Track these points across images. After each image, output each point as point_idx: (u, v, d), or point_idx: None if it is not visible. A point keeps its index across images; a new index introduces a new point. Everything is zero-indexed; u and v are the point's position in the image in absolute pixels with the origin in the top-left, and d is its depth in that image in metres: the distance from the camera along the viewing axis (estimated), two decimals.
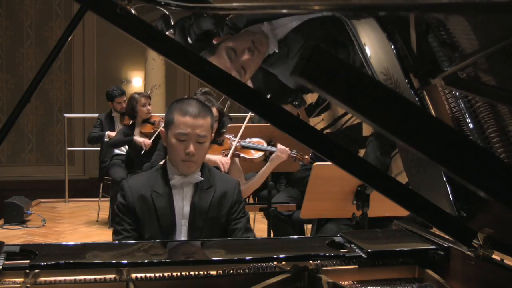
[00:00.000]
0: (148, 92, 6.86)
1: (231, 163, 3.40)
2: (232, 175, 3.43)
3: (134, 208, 2.23)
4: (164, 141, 2.35)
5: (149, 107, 5.82)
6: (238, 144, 3.49)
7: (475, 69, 1.32)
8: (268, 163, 3.50)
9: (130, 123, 5.97)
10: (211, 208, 2.27)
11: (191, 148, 2.20)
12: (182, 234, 2.26)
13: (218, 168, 3.19)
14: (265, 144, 3.59)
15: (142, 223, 2.23)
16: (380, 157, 2.37)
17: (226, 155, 3.41)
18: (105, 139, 6.27)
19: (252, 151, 3.55)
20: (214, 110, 3.36)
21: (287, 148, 3.52)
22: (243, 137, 3.58)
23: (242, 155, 3.51)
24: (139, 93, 5.96)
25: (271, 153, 3.53)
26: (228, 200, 2.32)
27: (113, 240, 2.25)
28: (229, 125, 3.73)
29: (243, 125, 3.65)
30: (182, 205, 2.27)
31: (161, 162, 2.42)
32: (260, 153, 3.53)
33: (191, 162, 2.24)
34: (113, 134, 6.24)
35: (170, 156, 2.30)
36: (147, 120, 5.82)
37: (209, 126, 2.26)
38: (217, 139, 3.44)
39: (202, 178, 2.29)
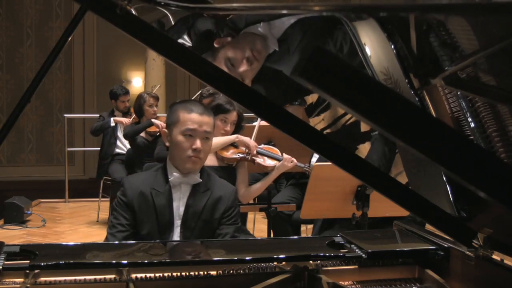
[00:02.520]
0: (153, 91, 6.84)
1: (240, 166, 3.42)
2: (239, 176, 3.44)
3: (133, 205, 2.26)
4: (165, 140, 2.38)
5: (155, 109, 5.81)
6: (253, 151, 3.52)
7: (475, 69, 1.32)
8: (273, 171, 3.52)
9: (133, 121, 5.98)
10: (204, 210, 2.29)
11: (198, 143, 2.26)
12: (175, 233, 2.28)
13: (243, 154, 3.28)
14: (279, 152, 3.61)
15: (140, 220, 2.25)
16: (387, 153, 2.37)
17: (242, 158, 3.44)
18: (111, 124, 6.24)
19: (267, 158, 3.58)
20: (234, 114, 3.38)
21: (293, 158, 3.53)
22: (261, 136, 3.62)
23: (257, 161, 3.52)
24: (148, 93, 5.95)
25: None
26: (223, 205, 2.33)
27: (107, 233, 2.27)
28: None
29: (255, 130, 3.66)
30: (179, 205, 2.30)
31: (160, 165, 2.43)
32: (274, 161, 3.56)
33: (197, 158, 2.28)
34: (119, 118, 6.23)
35: (174, 154, 2.33)
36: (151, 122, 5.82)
37: (212, 124, 2.34)
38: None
39: (201, 180, 2.32)
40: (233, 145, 3.46)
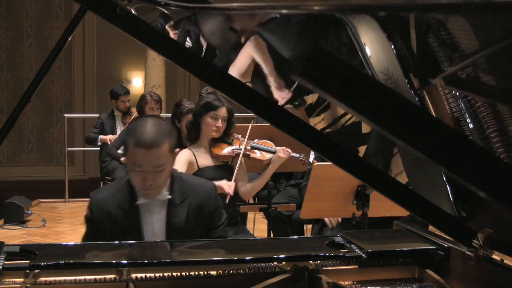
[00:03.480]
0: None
1: (237, 164, 3.41)
2: (238, 176, 3.43)
3: (101, 226, 2.13)
4: (124, 164, 2.22)
5: (156, 113, 5.76)
6: (247, 146, 3.51)
7: (475, 69, 1.32)
8: (270, 165, 3.51)
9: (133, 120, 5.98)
10: (187, 224, 2.14)
11: (148, 181, 2.03)
12: None
13: (223, 193, 3.12)
14: (273, 145, 3.60)
15: (110, 238, 2.09)
16: (383, 150, 2.37)
17: (236, 154, 3.42)
18: (98, 143, 6.29)
19: (263, 152, 3.57)
20: (223, 109, 3.38)
21: (287, 149, 3.52)
22: (251, 138, 3.60)
23: (252, 155, 3.52)
24: (151, 95, 5.89)
25: None
26: (205, 211, 2.19)
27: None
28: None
29: (249, 127, 3.66)
30: (152, 223, 2.15)
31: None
32: (270, 154, 3.55)
33: (151, 190, 2.08)
34: (104, 137, 6.24)
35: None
36: None
37: (166, 152, 2.04)
38: (226, 139, 3.45)
39: (170, 196, 2.14)
40: (227, 141, 3.45)
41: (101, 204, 2.14)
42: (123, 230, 2.10)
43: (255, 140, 3.62)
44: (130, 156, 2.05)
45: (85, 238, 2.17)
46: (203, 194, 2.22)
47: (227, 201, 3.14)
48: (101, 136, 6.30)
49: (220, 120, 3.35)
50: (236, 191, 3.57)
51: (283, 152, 3.49)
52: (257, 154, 3.56)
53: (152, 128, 2.04)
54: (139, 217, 2.14)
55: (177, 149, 2.29)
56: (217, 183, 3.21)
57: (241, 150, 3.44)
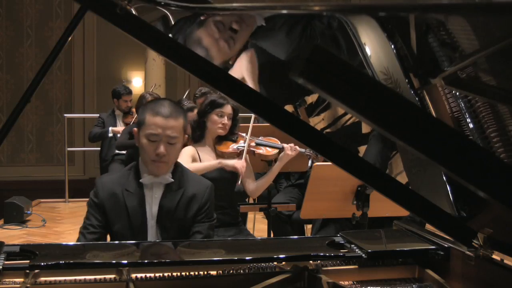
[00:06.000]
0: (151, 90, 6.83)
1: (242, 159, 3.41)
2: (244, 174, 3.44)
3: (104, 206, 2.22)
4: (136, 141, 2.32)
5: None
6: (251, 143, 3.52)
7: (475, 69, 1.32)
8: (277, 162, 3.51)
9: (134, 121, 5.98)
10: (178, 209, 2.25)
11: (161, 149, 2.17)
12: (151, 234, 2.25)
13: (236, 173, 3.21)
14: (278, 142, 3.61)
15: (111, 221, 2.22)
16: (382, 151, 2.37)
17: (241, 151, 3.43)
18: (109, 134, 6.26)
19: (267, 148, 3.58)
20: (229, 107, 3.39)
21: (295, 146, 3.53)
22: (256, 135, 3.61)
23: (257, 151, 3.53)
24: (150, 94, 5.91)
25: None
26: (196, 202, 2.28)
27: (79, 233, 2.23)
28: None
29: (251, 123, 3.66)
30: (151, 205, 2.26)
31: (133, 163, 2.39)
32: (276, 150, 3.55)
33: (162, 163, 2.21)
34: (117, 129, 6.23)
35: (142, 156, 2.28)
36: None
37: (180, 127, 2.23)
38: (231, 137, 3.46)
39: (173, 180, 2.27)
40: (231, 139, 3.47)
41: (106, 185, 2.26)
42: (127, 211, 2.21)
43: (260, 137, 3.63)
44: (147, 127, 2.19)
45: (85, 222, 2.25)
46: (199, 187, 2.32)
47: (239, 182, 3.21)
48: (112, 128, 6.29)
49: (225, 117, 3.38)
50: (237, 191, 3.58)
51: (291, 150, 3.49)
52: (262, 150, 3.57)
53: (169, 103, 2.26)
54: (143, 197, 2.25)
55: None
56: (230, 161, 3.27)
57: (245, 147, 3.45)
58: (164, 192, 2.27)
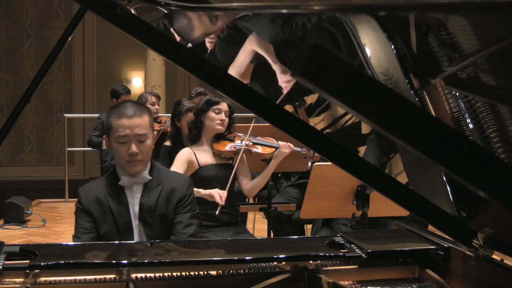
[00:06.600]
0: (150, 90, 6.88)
1: (240, 161, 3.42)
2: (240, 174, 3.45)
3: (90, 211, 2.27)
4: (107, 147, 2.38)
5: (157, 107, 5.87)
6: (249, 142, 3.53)
7: (475, 69, 1.32)
8: (272, 160, 3.53)
9: None
10: (158, 205, 2.30)
11: (133, 148, 2.23)
12: (135, 233, 2.29)
13: (214, 201, 3.20)
14: (274, 141, 3.63)
15: (99, 224, 2.27)
16: (379, 156, 2.37)
17: (238, 150, 3.44)
18: (103, 147, 6.29)
19: (264, 147, 3.60)
20: (225, 105, 3.41)
21: (289, 144, 3.54)
22: (253, 135, 3.63)
23: (254, 150, 3.55)
24: (149, 92, 6.00)
25: None
26: (176, 196, 2.33)
27: (73, 239, 2.27)
28: (235, 124, 3.75)
29: (252, 123, 3.67)
30: (134, 205, 2.31)
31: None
32: (272, 149, 3.57)
33: (136, 161, 2.26)
34: None
35: (116, 160, 2.34)
36: (154, 120, 5.82)
37: (147, 124, 2.28)
38: (228, 136, 3.47)
39: (151, 177, 2.32)
40: (228, 138, 3.48)
41: (88, 192, 2.32)
42: (112, 213, 2.26)
43: (258, 137, 3.64)
44: (115, 131, 2.24)
45: (76, 226, 2.29)
46: (177, 181, 2.39)
47: (217, 212, 3.16)
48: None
49: (223, 114, 3.40)
50: (237, 191, 3.58)
51: (285, 147, 3.51)
52: (259, 149, 3.59)
53: (131, 104, 2.34)
54: (125, 198, 2.30)
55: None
56: (207, 191, 3.26)
57: (242, 146, 3.46)
58: (143, 191, 2.32)
